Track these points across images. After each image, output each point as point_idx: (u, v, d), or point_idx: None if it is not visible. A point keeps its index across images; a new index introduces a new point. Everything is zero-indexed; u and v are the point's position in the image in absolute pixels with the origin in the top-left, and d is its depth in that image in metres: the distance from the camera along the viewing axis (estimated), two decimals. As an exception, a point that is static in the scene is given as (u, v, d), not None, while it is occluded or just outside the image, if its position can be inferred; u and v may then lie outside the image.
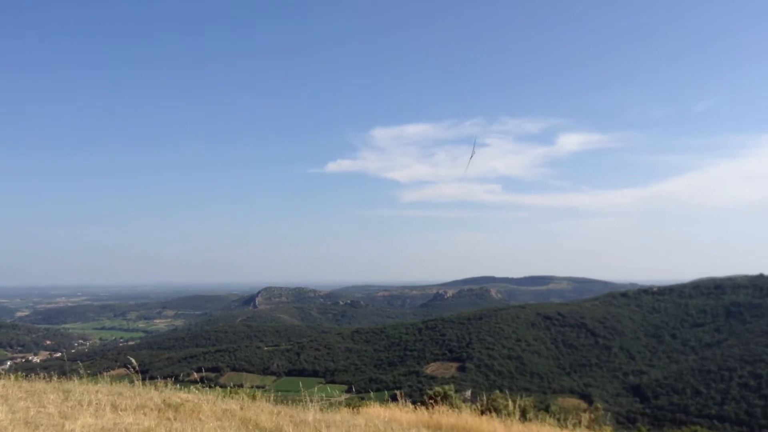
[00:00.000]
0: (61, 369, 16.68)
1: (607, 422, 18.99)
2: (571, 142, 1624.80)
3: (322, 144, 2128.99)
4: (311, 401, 14.50)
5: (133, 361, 17.70)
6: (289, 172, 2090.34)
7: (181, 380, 20.22)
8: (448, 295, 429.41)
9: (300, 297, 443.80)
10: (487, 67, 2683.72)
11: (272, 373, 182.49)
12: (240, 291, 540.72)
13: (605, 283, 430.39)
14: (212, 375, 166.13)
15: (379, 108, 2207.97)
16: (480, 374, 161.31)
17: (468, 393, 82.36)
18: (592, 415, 19.82)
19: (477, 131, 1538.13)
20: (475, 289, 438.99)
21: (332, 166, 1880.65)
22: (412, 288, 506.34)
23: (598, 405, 30.06)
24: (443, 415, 16.60)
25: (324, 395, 16.19)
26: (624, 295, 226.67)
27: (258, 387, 23.12)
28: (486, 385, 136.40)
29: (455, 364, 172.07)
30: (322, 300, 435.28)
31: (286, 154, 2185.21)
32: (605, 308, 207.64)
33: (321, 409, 14.78)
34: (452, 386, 25.48)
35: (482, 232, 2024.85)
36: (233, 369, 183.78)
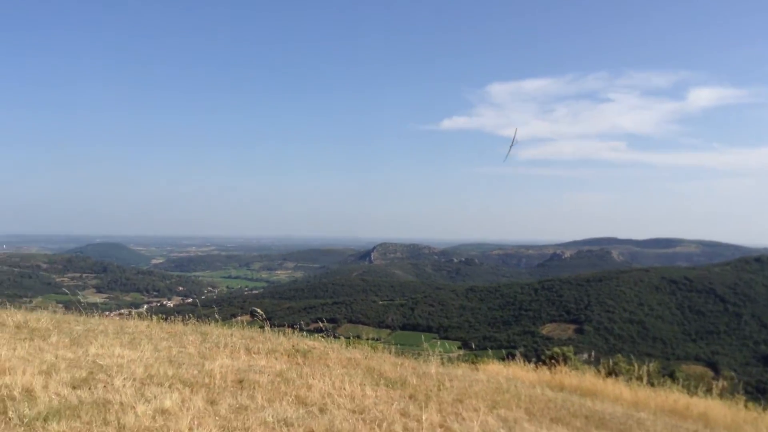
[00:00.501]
0: (194, 313, 17.66)
1: (739, 391, 17.87)
2: (703, 97, 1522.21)
3: (438, 100, 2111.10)
4: (432, 355, 14.55)
5: (259, 310, 18.55)
6: (404, 128, 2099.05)
7: (303, 329, 21.01)
8: (565, 255, 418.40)
9: (414, 253, 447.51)
10: (611, 19, 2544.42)
11: (387, 327, 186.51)
12: (356, 246, 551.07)
13: (737, 247, 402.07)
14: (330, 326, 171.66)
15: (497, 63, 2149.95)
16: (599, 337, 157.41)
17: (587, 355, 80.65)
18: (724, 383, 18.70)
19: (601, 85, 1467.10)
20: (595, 250, 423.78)
21: (447, 123, 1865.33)
22: (528, 247, 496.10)
23: (731, 373, 28.45)
24: (565, 375, 16.17)
25: (442, 350, 16.20)
26: (758, 260, 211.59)
27: (374, 339, 23.65)
28: (605, 348, 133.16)
29: (572, 326, 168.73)
30: (436, 257, 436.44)
31: (402, 110, 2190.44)
32: (736, 273, 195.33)
33: (442, 363, 14.83)
34: (571, 348, 24.85)
35: (604, 191, 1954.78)
36: (350, 321, 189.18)
